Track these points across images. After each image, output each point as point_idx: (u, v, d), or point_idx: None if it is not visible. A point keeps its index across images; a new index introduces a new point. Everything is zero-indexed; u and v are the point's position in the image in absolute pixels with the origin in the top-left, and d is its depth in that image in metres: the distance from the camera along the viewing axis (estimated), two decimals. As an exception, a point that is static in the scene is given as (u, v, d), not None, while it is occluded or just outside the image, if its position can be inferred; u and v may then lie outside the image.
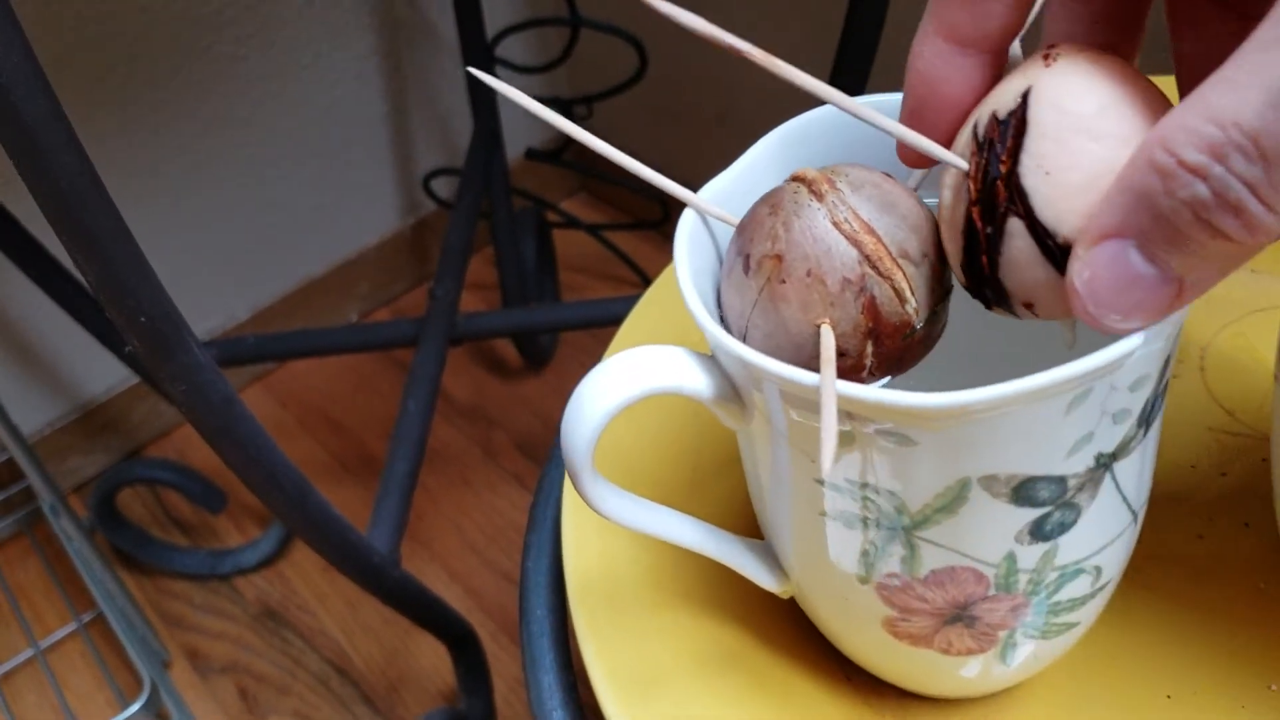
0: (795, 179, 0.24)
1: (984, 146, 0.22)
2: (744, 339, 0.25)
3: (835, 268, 0.23)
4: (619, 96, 1.19)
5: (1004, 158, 0.22)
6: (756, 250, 0.24)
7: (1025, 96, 0.22)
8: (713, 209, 0.27)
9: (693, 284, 0.25)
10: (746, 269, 0.24)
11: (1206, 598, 0.33)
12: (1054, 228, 0.21)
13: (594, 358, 1.35)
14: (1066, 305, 0.21)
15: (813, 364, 0.24)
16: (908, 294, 0.24)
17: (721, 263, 0.27)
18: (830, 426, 0.21)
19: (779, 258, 0.24)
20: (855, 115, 0.24)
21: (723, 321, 0.26)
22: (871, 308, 0.23)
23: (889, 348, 0.24)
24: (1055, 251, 0.21)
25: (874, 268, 0.23)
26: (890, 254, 0.23)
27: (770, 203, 0.25)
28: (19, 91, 0.37)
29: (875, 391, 0.21)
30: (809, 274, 0.23)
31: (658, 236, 1.40)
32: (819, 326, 0.23)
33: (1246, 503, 0.35)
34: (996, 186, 0.22)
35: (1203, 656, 0.32)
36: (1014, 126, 0.22)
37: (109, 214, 0.42)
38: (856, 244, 0.23)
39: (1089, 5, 0.24)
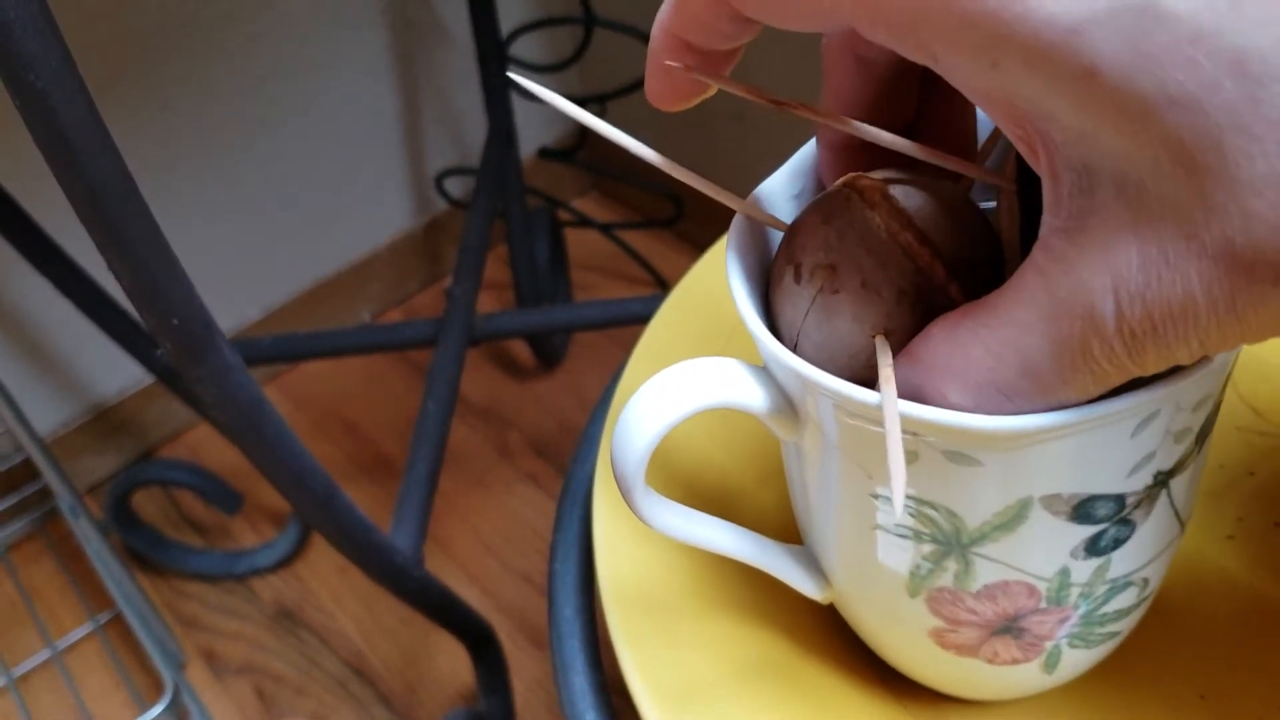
0: (848, 185, 0.24)
1: (1024, 165, 0.22)
2: (794, 349, 0.24)
3: (890, 278, 0.23)
4: (633, 95, 1.19)
5: None
6: (809, 259, 0.24)
7: None
8: (763, 215, 0.26)
9: (745, 294, 0.25)
10: (798, 278, 0.24)
11: (1237, 597, 0.33)
12: None
13: (606, 357, 1.34)
14: None
15: (865, 375, 0.23)
16: (962, 304, 0.23)
17: (768, 268, 0.27)
18: (897, 452, 0.21)
19: (832, 267, 0.23)
20: (905, 152, 0.24)
21: (773, 330, 0.25)
22: (927, 319, 0.22)
23: None
24: None
25: (929, 278, 0.23)
26: (945, 264, 0.23)
27: (822, 210, 0.24)
28: (57, 95, 0.37)
29: (946, 414, 0.21)
30: (863, 284, 0.23)
31: (670, 235, 1.40)
32: (874, 338, 0.23)
33: (1275, 502, 0.35)
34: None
35: (1235, 656, 0.32)
36: None
37: (143, 216, 0.42)
38: (912, 254, 0.23)
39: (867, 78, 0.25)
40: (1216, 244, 0.17)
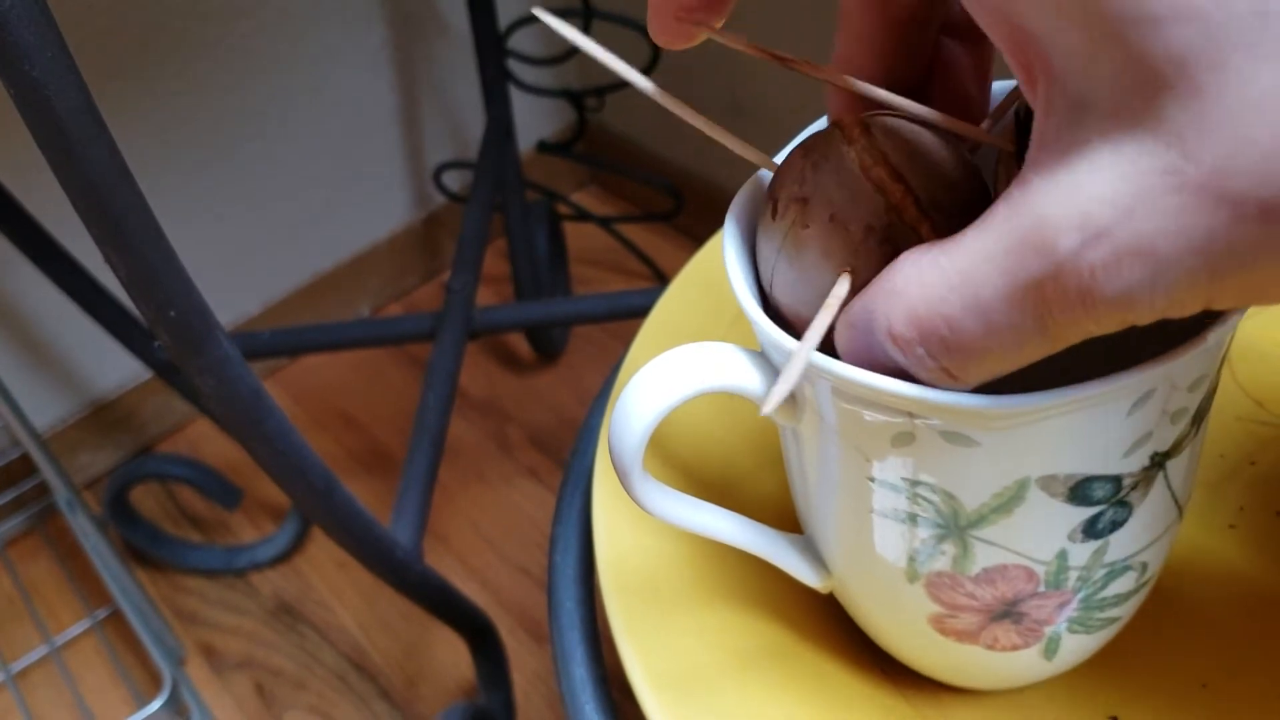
0: (834, 122, 0.24)
1: (1023, 125, 0.22)
2: (769, 289, 0.24)
3: (859, 214, 0.22)
4: (631, 88, 1.19)
5: None
6: (785, 193, 0.23)
7: None
8: (768, 159, 0.26)
9: (740, 267, 0.25)
10: (774, 213, 0.24)
11: (1239, 587, 0.33)
12: None
13: (605, 351, 1.33)
14: None
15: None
16: None
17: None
18: (793, 374, 0.21)
19: (804, 200, 0.23)
20: (905, 109, 0.24)
21: (757, 275, 0.25)
22: (895, 258, 0.22)
23: None
24: None
25: (900, 215, 0.22)
26: (918, 202, 0.22)
27: (806, 145, 0.24)
28: (53, 86, 0.37)
29: (941, 393, 0.21)
30: (832, 219, 0.22)
31: (669, 229, 1.40)
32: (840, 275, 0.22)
33: (1276, 492, 0.35)
34: None
35: (1237, 646, 0.32)
36: None
37: (139, 207, 0.42)
38: (883, 190, 0.22)
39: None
40: (1202, 173, 0.16)
